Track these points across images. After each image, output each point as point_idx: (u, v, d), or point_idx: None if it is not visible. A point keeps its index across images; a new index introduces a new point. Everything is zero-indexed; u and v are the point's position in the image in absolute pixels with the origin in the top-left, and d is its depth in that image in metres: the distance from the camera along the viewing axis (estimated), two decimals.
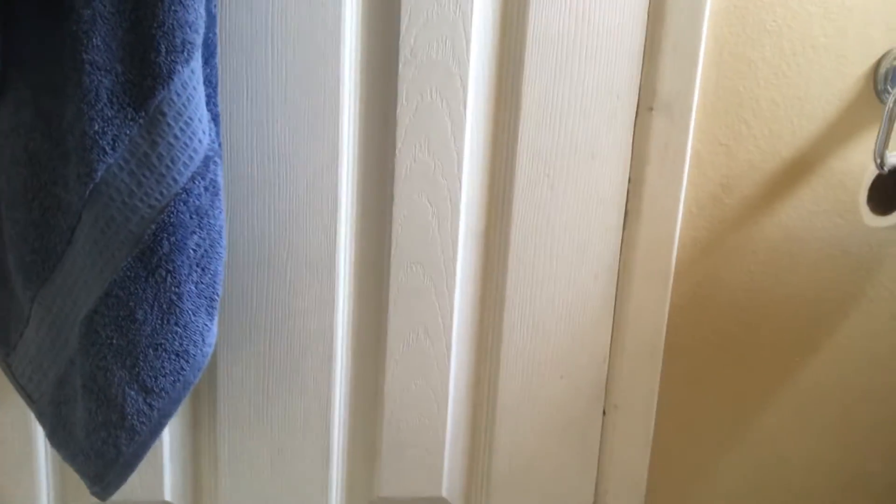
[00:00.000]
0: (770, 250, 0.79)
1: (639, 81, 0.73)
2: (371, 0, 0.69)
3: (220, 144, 0.61)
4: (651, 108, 0.74)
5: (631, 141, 0.75)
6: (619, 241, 0.77)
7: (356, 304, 0.76)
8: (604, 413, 0.81)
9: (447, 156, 0.72)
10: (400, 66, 0.70)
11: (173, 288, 0.55)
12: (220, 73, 0.67)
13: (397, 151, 0.72)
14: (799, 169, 0.78)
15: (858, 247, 0.80)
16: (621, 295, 0.78)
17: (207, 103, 0.59)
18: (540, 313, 0.77)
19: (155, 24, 0.51)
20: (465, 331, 0.77)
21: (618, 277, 0.78)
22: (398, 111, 0.71)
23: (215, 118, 0.60)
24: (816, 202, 0.78)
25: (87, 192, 0.53)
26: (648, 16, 0.72)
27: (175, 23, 0.52)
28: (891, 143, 0.76)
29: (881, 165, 0.71)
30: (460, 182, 0.73)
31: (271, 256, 0.72)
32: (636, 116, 0.74)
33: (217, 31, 0.63)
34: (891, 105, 0.71)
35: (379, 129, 0.72)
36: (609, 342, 0.79)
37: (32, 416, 0.68)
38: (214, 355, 0.73)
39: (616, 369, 0.79)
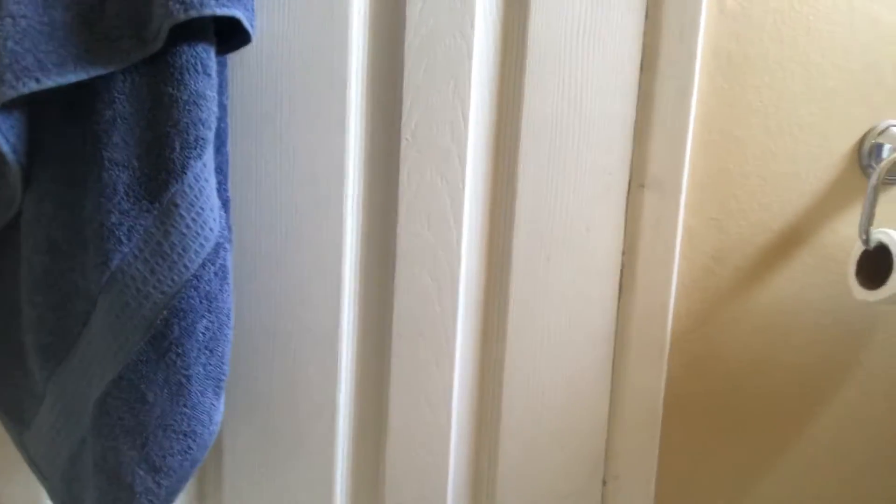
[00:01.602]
0: (764, 321, 0.81)
1: (630, 160, 0.76)
2: (375, 87, 0.73)
3: (230, 228, 0.64)
4: (643, 185, 0.77)
5: (624, 216, 0.77)
6: (615, 313, 0.79)
7: (359, 376, 0.78)
8: (604, 483, 0.82)
9: (447, 232, 0.75)
10: (402, 147, 0.74)
11: (182, 371, 0.57)
12: (231, 154, 0.71)
13: (399, 228, 0.75)
14: (789, 242, 0.80)
15: (851, 317, 0.81)
16: (618, 365, 0.79)
17: (218, 189, 0.63)
18: (539, 384, 0.78)
19: (170, 123, 0.55)
20: (466, 401, 0.79)
21: (615, 348, 0.79)
22: (399, 190, 0.74)
23: (225, 203, 0.64)
24: (807, 274, 0.80)
25: (104, 280, 0.56)
26: (638, 99, 0.75)
27: (189, 121, 0.55)
28: (879, 218, 0.78)
29: (867, 242, 0.73)
30: (459, 257, 0.76)
31: (276, 330, 0.74)
32: (628, 193, 0.77)
33: (228, 120, 0.67)
34: (874, 181, 0.74)
35: (381, 206, 0.75)
36: (607, 412, 0.80)
37: (44, 492, 0.70)
38: (219, 428, 0.75)
39: (615, 439, 0.81)
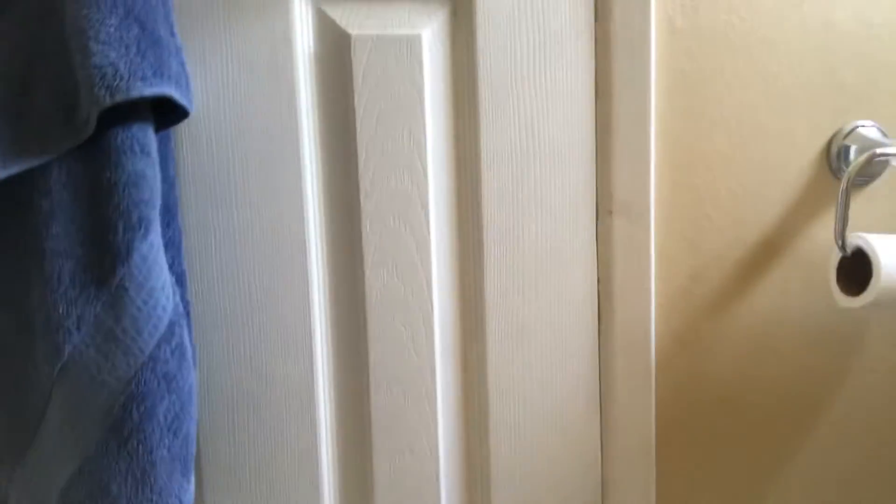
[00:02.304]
0: (748, 336, 0.79)
1: (595, 187, 0.75)
2: (328, 140, 0.72)
3: (188, 303, 0.63)
4: (610, 212, 0.75)
5: (595, 243, 0.76)
6: (597, 343, 0.77)
7: (338, 434, 0.76)
8: None
9: (415, 278, 0.74)
10: (361, 197, 0.72)
11: (146, 456, 0.56)
12: (186, 221, 0.70)
13: (366, 279, 0.73)
14: (766, 254, 0.78)
15: (836, 323, 0.80)
16: (606, 396, 0.78)
17: (172, 265, 0.62)
18: (525, 424, 0.77)
19: (111, 207, 0.54)
20: (453, 446, 0.77)
21: (600, 379, 0.78)
22: (363, 240, 0.73)
23: (180, 277, 0.63)
24: (788, 284, 0.79)
25: (56, 372, 0.54)
26: (596, 125, 0.74)
27: (131, 203, 0.54)
28: (854, 219, 0.77)
29: (843, 247, 0.72)
30: (431, 302, 0.74)
31: (250, 393, 0.73)
32: (597, 220, 0.76)
33: (177, 192, 0.66)
34: (844, 185, 0.72)
35: (346, 259, 0.74)
36: (600, 445, 0.78)
37: None
38: (200, 500, 0.73)
39: (610, 471, 0.78)
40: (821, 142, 0.78)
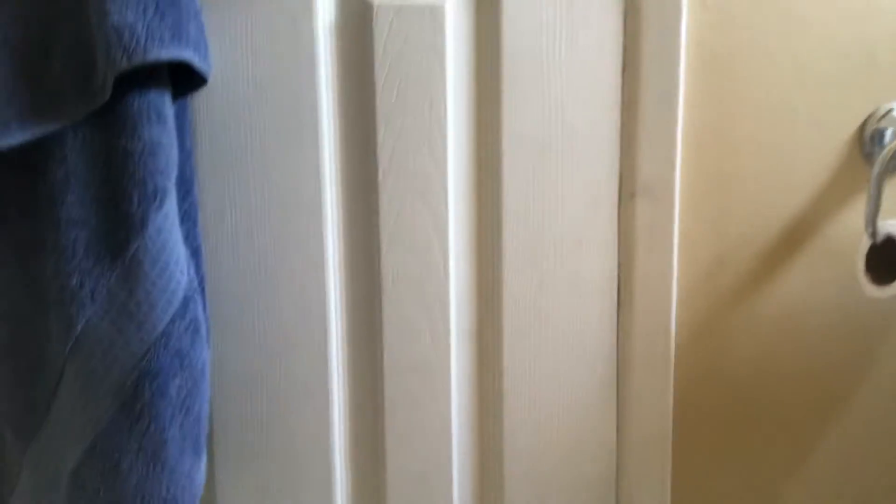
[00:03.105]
0: (771, 324, 0.77)
1: (618, 168, 0.73)
2: (347, 113, 0.71)
3: (202, 278, 0.61)
4: (633, 194, 0.73)
5: (616, 228, 0.74)
6: (615, 329, 0.75)
7: (352, 416, 0.75)
8: None
9: (432, 259, 0.72)
10: (379, 174, 0.71)
11: (157, 434, 0.54)
12: (201, 196, 0.68)
13: (382, 259, 0.72)
14: (793, 240, 0.76)
15: (863, 313, 0.77)
16: (622, 385, 0.76)
17: (187, 238, 0.60)
18: (541, 409, 0.75)
19: (126, 176, 0.52)
20: (467, 433, 0.76)
21: (617, 367, 0.76)
22: (381, 219, 0.71)
23: (196, 252, 0.61)
24: (814, 272, 0.77)
25: (69, 345, 0.53)
26: (622, 104, 0.72)
27: (146, 172, 0.53)
28: (886, 206, 0.74)
29: (873, 235, 0.70)
30: (448, 284, 0.73)
31: (264, 375, 0.72)
32: (619, 203, 0.74)
33: (193, 163, 0.64)
34: (877, 170, 0.70)
35: (363, 237, 0.73)
36: (615, 434, 0.77)
37: None
38: (213, 481, 0.72)
39: (625, 461, 0.77)
40: (854, 124, 0.75)
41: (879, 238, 0.70)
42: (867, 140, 0.75)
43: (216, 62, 0.66)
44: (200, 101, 0.67)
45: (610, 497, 0.77)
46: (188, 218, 0.60)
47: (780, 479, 0.80)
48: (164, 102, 0.54)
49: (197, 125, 0.67)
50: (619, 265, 0.75)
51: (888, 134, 0.74)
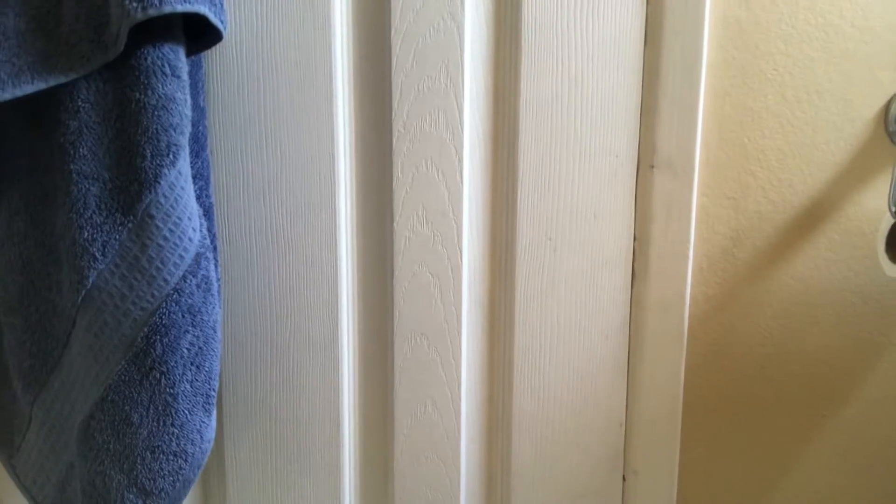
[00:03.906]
0: (787, 303, 0.76)
1: (638, 140, 0.72)
2: (362, 77, 0.70)
3: (214, 236, 0.61)
4: (652, 166, 0.72)
5: (633, 200, 0.73)
6: (629, 302, 0.75)
7: (361, 380, 0.75)
8: (623, 479, 0.78)
9: (446, 225, 0.72)
10: (394, 140, 0.70)
11: (168, 389, 0.54)
12: (214, 157, 0.68)
13: (395, 224, 0.71)
14: (812, 217, 0.75)
15: (881, 294, 0.76)
16: (634, 357, 0.76)
17: (199, 196, 0.60)
18: (551, 379, 0.75)
19: (139, 131, 0.52)
20: (475, 401, 0.76)
21: (629, 339, 0.75)
22: (394, 184, 0.71)
23: (208, 210, 0.61)
24: (833, 250, 0.76)
25: (80, 298, 0.53)
26: (644, 74, 0.71)
27: (160, 127, 0.52)
28: None
29: None
30: (461, 251, 0.72)
31: (273, 336, 0.72)
32: (637, 175, 0.73)
33: (207, 122, 0.63)
34: None
35: (376, 202, 0.72)
36: (625, 406, 0.76)
37: None
38: (221, 438, 0.73)
39: (634, 434, 0.77)
40: (879, 103, 0.73)
41: None
42: (892, 119, 0.74)
43: (230, 22, 0.65)
44: (214, 61, 0.67)
45: (618, 466, 0.77)
46: (201, 176, 0.60)
47: (790, 457, 0.79)
48: (179, 57, 0.53)
49: (210, 86, 0.67)
50: (636, 238, 0.74)
51: None
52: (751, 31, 0.71)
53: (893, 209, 0.68)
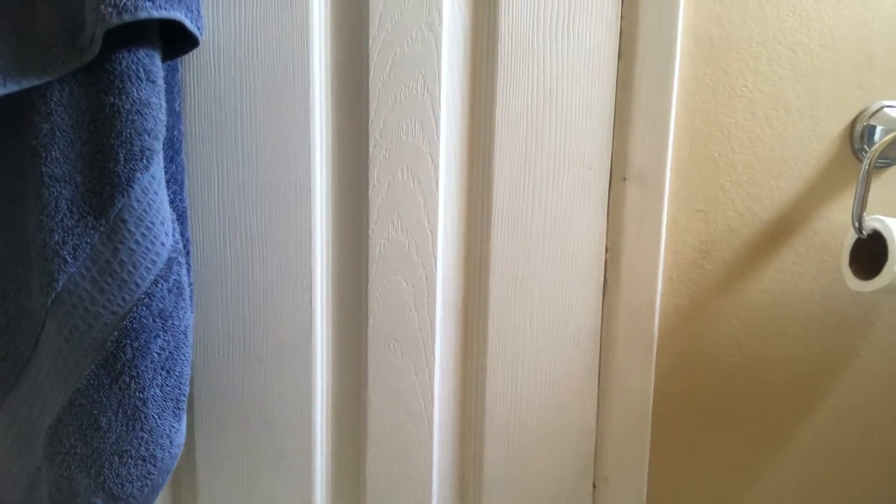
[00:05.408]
0: (755, 314, 0.78)
1: (611, 152, 0.73)
2: (339, 84, 0.70)
3: (188, 240, 0.61)
4: (624, 179, 0.73)
5: (606, 211, 0.74)
6: (600, 311, 0.76)
7: (334, 385, 0.75)
8: (593, 486, 0.79)
9: (421, 233, 0.72)
10: (370, 147, 0.70)
11: (137, 393, 0.54)
12: (189, 162, 0.68)
13: (370, 231, 0.72)
14: (779, 231, 0.77)
15: (847, 307, 0.78)
16: (605, 365, 0.77)
17: (173, 201, 0.60)
18: (523, 387, 0.76)
19: (113, 134, 0.52)
20: (447, 408, 0.76)
21: (601, 347, 0.76)
22: (370, 191, 0.71)
23: (182, 215, 0.61)
24: (800, 264, 0.77)
25: (50, 301, 0.53)
26: (617, 88, 0.72)
27: (133, 131, 0.52)
28: (872, 203, 0.75)
29: (860, 229, 0.70)
30: (435, 259, 0.73)
31: (247, 340, 0.72)
32: (610, 187, 0.74)
33: (182, 127, 0.63)
34: (866, 166, 0.70)
35: (351, 209, 0.72)
36: (595, 413, 0.77)
37: None
38: (193, 442, 0.72)
39: (604, 441, 0.78)
40: (845, 120, 0.75)
41: (865, 232, 0.70)
42: (857, 136, 0.76)
43: (208, 28, 0.65)
44: (191, 65, 0.67)
45: (588, 473, 0.78)
46: (175, 180, 0.60)
47: (757, 464, 0.81)
48: (154, 62, 0.54)
49: (187, 90, 0.67)
50: (608, 248, 0.75)
51: (878, 131, 0.74)
52: (722, 49, 0.73)
53: (856, 225, 0.70)
